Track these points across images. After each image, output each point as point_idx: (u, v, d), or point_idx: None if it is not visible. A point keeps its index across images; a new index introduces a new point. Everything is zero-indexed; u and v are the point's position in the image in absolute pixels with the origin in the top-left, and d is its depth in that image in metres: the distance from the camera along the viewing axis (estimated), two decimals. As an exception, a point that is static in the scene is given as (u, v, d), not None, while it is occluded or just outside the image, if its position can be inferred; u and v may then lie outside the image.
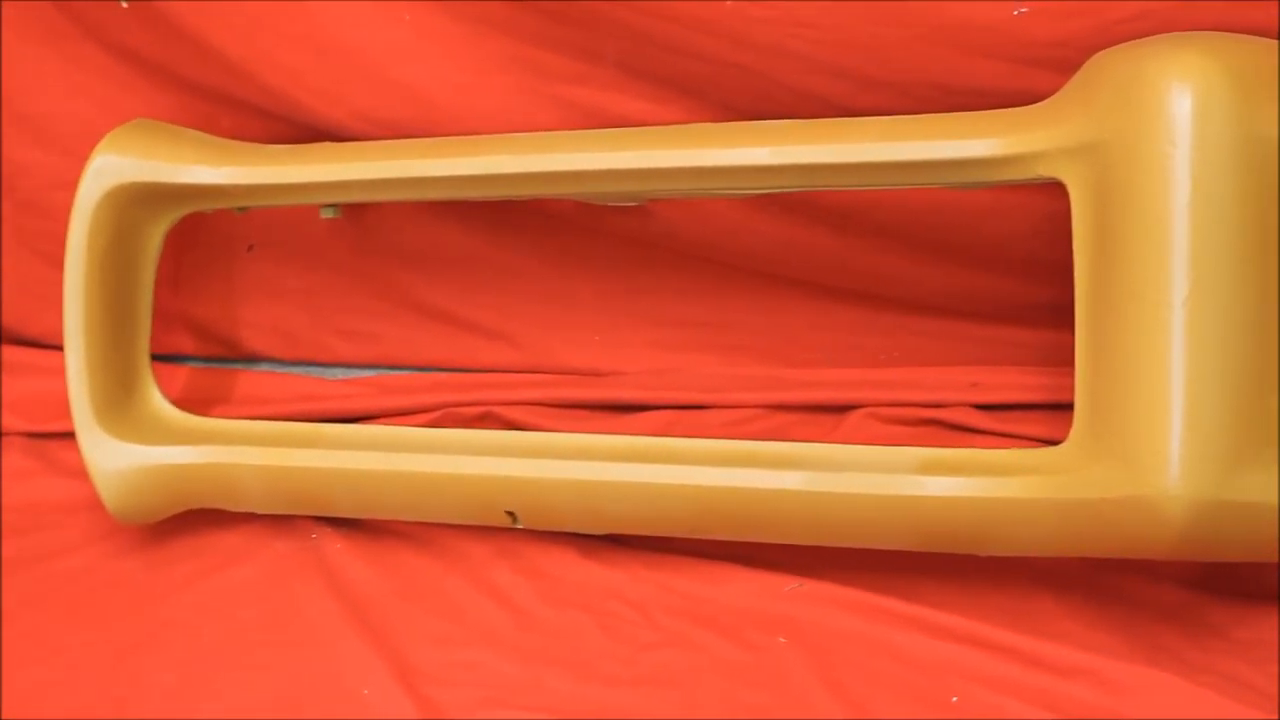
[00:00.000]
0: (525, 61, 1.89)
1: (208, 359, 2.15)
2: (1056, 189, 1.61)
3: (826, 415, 1.98)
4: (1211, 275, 1.51)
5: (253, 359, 2.15)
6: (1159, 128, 1.52)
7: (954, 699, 1.62)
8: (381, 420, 2.04)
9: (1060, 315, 1.64)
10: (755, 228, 1.91)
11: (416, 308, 2.10)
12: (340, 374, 2.14)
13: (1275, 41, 1.61)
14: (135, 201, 1.86)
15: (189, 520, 1.91)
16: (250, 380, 2.13)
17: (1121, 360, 1.54)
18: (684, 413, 2.02)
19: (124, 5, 1.94)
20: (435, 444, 1.82)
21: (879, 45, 1.73)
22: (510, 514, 1.79)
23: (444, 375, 2.11)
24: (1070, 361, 1.62)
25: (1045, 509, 1.58)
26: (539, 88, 1.90)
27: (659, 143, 1.73)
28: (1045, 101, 1.64)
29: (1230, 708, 1.57)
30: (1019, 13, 1.68)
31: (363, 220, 2.06)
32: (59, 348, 1.88)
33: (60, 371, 1.87)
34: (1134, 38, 1.63)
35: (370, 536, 1.89)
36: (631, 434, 1.81)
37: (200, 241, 2.09)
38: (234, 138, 1.94)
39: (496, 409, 2.03)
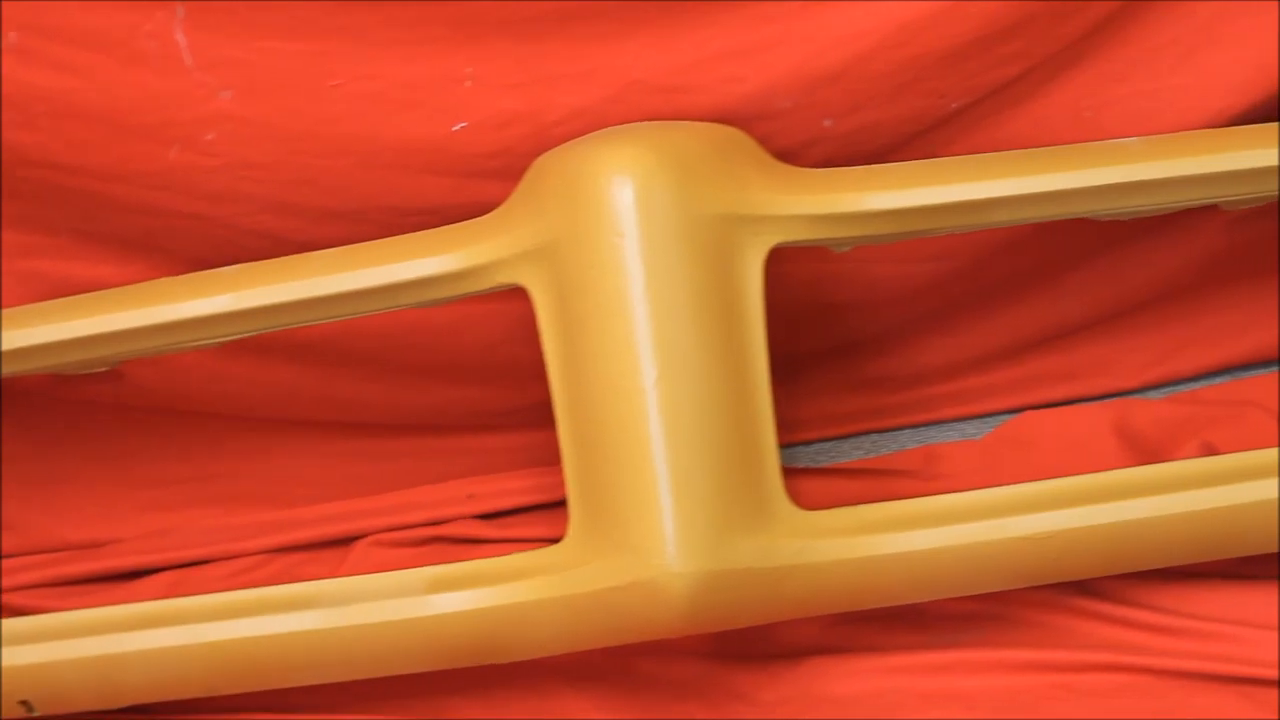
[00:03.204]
0: (-20, 241, 1.84)
1: None
2: (522, 293, 1.64)
3: (332, 549, 1.96)
4: (677, 354, 1.55)
5: None
6: (605, 220, 1.56)
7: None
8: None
9: (546, 414, 1.66)
10: (232, 373, 1.89)
11: (-101, 511, 2.02)
12: None
13: (705, 124, 1.68)
14: None
15: None
16: None
17: (604, 450, 1.58)
18: (188, 570, 1.97)
19: None
20: (-65, 645, 1.75)
21: (327, 177, 1.74)
22: (25, 704, 1.72)
23: (-62, 574, 2.03)
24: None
25: (554, 607, 1.60)
26: (-1, 266, 1.85)
27: (119, 304, 1.70)
28: (496, 210, 1.67)
29: (762, 767, 1.62)
30: (458, 128, 1.71)
31: None
32: None
33: None
34: (572, 138, 1.68)
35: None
36: (137, 600, 1.77)
37: None
38: None
39: (-3, 598, 1.96)
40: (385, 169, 1.73)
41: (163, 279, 1.77)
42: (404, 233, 1.70)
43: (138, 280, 1.80)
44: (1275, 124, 1.71)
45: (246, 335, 1.69)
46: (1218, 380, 2.04)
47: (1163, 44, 1.76)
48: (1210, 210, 1.72)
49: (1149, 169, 1.64)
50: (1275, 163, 1.65)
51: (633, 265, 1.55)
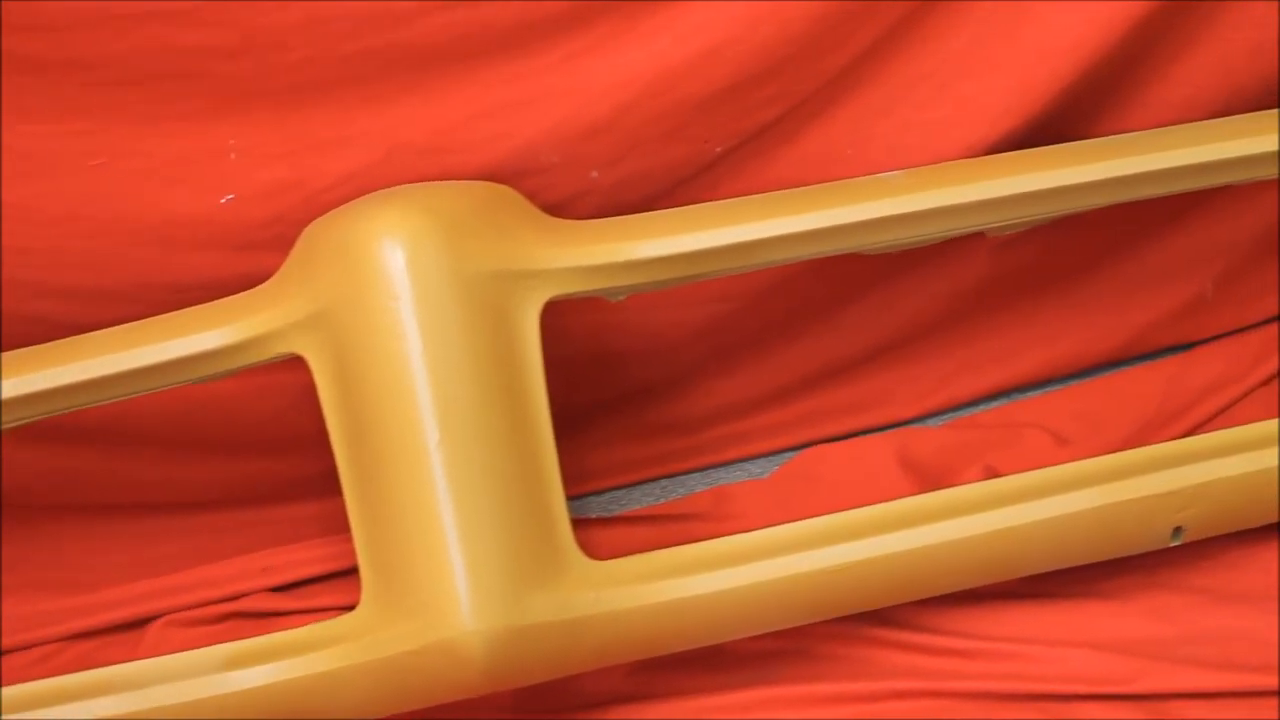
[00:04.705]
0: None
1: None
2: (303, 362, 1.63)
3: (127, 633, 1.93)
4: (458, 414, 1.56)
5: None
6: (379, 285, 1.57)
7: None
8: None
9: (338, 481, 1.65)
10: (16, 461, 1.86)
11: None
12: None
13: (473, 183, 1.69)
14: None
15: None
16: None
17: (392, 514, 1.58)
18: (-16, 662, 1.94)
19: None
20: None
21: (99, 258, 1.72)
22: None
23: None
24: (353, 526, 1.64)
25: (354, 675, 1.59)
26: None
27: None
28: (269, 281, 1.66)
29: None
30: (226, 200, 1.70)
31: None
32: None
33: None
34: (342, 203, 1.68)
35: None
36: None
37: None
38: None
39: None
40: (156, 246, 1.72)
41: (-64, 369, 1.75)
42: (180, 309, 1.68)
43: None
44: (1032, 150, 1.76)
45: (27, 422, 1.66)
46: (994, 404, 2.10)
47: (919, 77, 1.80)
48: (976, 238, 1.75)
49: (912, 201, 1.68)
50: (1035, 188, 1.70)
51: (408, 328, 1.56)
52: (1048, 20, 1.78)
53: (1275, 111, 1.80)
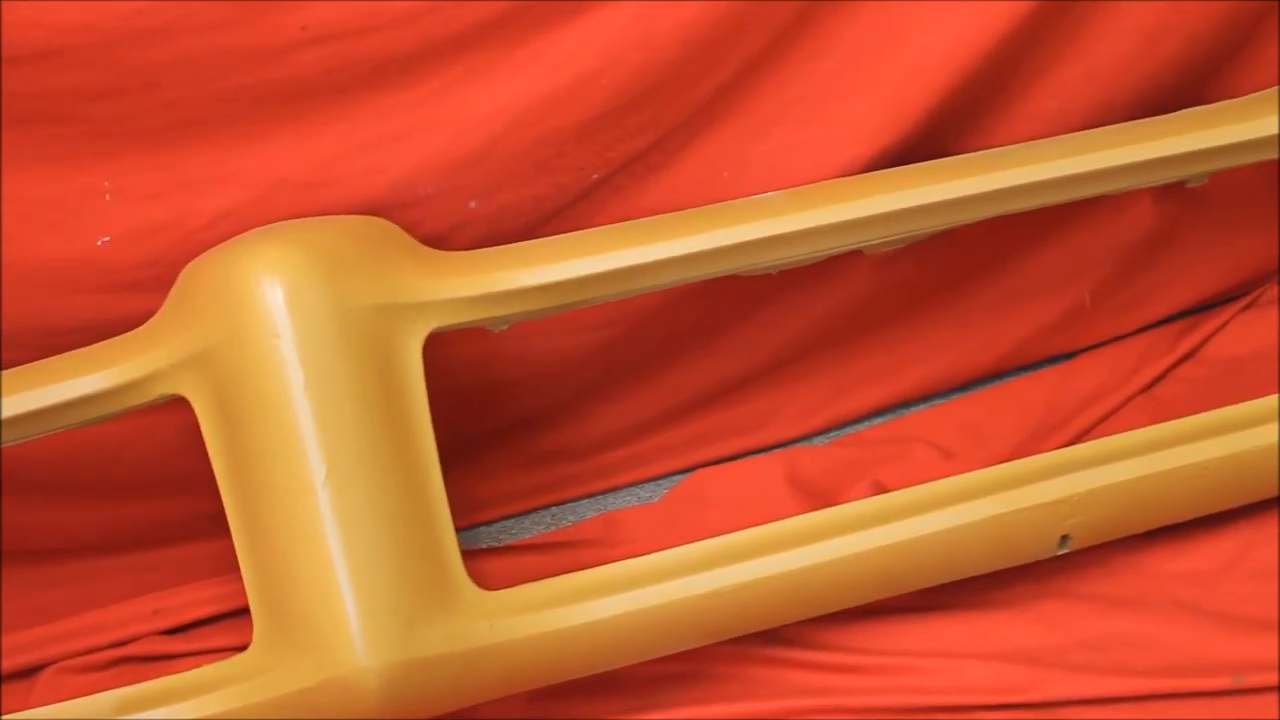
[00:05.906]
0: None
1: None
2: (187, 402, 1.62)
3: (19, 682, 1.91)
4: (344, 449, 1.55)
5: None
6: (259, 322, 1.56)
7: None
8: None
9: (225, 522, 1.64)
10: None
11: None
12: None
13: (351, 217, 1.69)
14: None
15: None
16: None
17: (281, 552, 1.57)
18: None
19: None
20: None
21: (-25, 302, 1.71)
22: None
23: None
24: (244, 566, 1.62)
25: (248, 716, 1.58)
26: None
27: None
28: (149, 322, 1.65)
29: None
30: (102, 242, 1.69)
31: None
32: None
33: None
34: (220, 241, 1.67)
35: None
36: None
37: None
38: None
39: None
40: (33, 290, 1.70)
41: None
42: (59, 353, 1.66)
43: None
44: (908, 166, 1.77)
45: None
46: (880, 420, 2.11)
47: (792, 99, 1.82)
48: (854, 256, 1.76)
49: (790, 221, 1.69)
50: (911, 204, 1.71)
51: (290, 365, 1.55)
52: (917, 39, 1.80)
53: (1146, 121, 1.83)
